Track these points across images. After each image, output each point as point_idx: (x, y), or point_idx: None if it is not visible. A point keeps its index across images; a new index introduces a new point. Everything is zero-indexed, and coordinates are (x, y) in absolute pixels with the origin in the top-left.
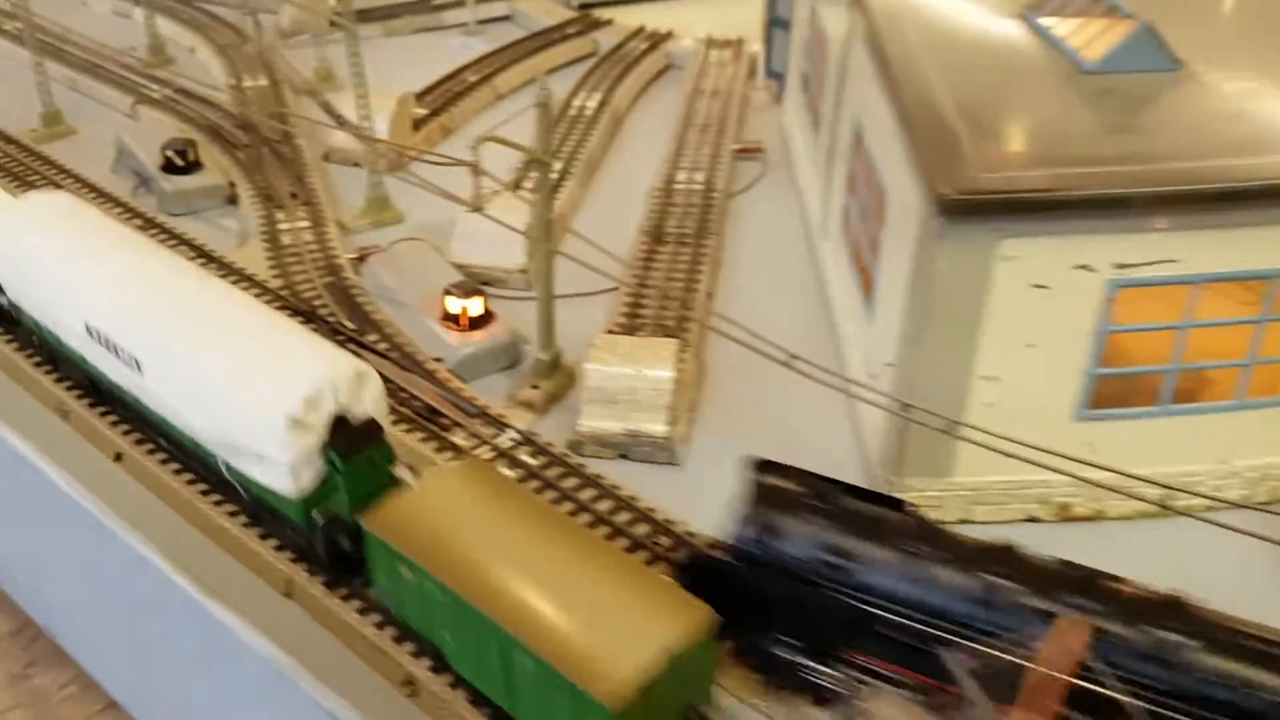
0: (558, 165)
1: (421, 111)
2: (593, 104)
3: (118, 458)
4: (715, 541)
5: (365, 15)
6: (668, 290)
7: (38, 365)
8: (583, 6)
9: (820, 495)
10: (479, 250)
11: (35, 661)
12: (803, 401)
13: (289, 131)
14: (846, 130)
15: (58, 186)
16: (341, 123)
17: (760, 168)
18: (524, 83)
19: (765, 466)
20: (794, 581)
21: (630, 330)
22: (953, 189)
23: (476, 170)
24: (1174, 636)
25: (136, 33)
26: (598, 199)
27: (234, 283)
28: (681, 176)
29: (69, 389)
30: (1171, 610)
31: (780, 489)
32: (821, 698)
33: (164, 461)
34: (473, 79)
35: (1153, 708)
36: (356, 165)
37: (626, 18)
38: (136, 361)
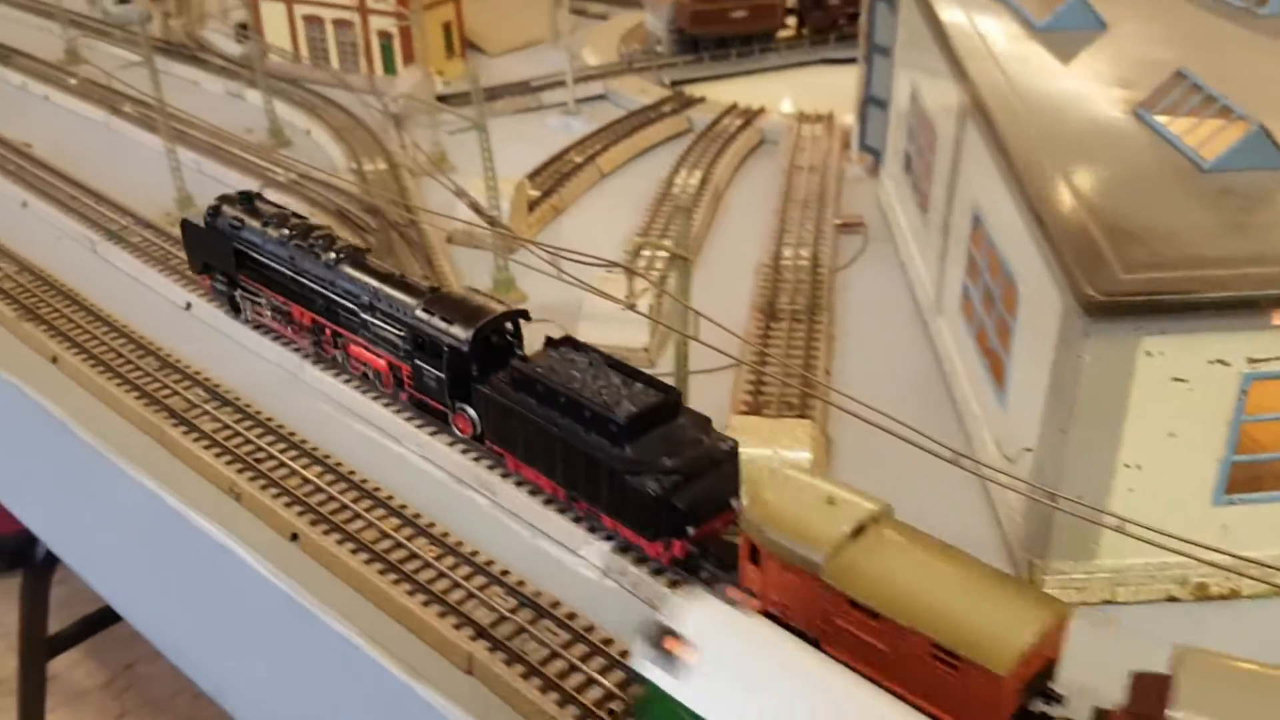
0: (667, 243)
1: (535, 193)
2: (694, 181)
3: (293, 537)
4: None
5: (469, 97)
6: (789, 367)
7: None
8: (674, 84)
9: (249, 200)
10: (604, 330)
11: (126, 713)
12: (928, 476)
13: (414, 216)
14: (963, 214)
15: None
16: (492, 223)
17: (862, 242)
18: (625, 160)
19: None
20: (219, 234)
21: (756, 408)
22: (1098, 291)
23: (630, 271)
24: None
25: (250, 114)
26: (706, 275)
27: None
28: (788, 252)
29: (241, 472)
30: (357, 253)
31: (231, 197)
32: (235, 308)
33: (340, 541)
34: (578, 159)
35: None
36: (478, 247)
37: (716, 93)
38: None
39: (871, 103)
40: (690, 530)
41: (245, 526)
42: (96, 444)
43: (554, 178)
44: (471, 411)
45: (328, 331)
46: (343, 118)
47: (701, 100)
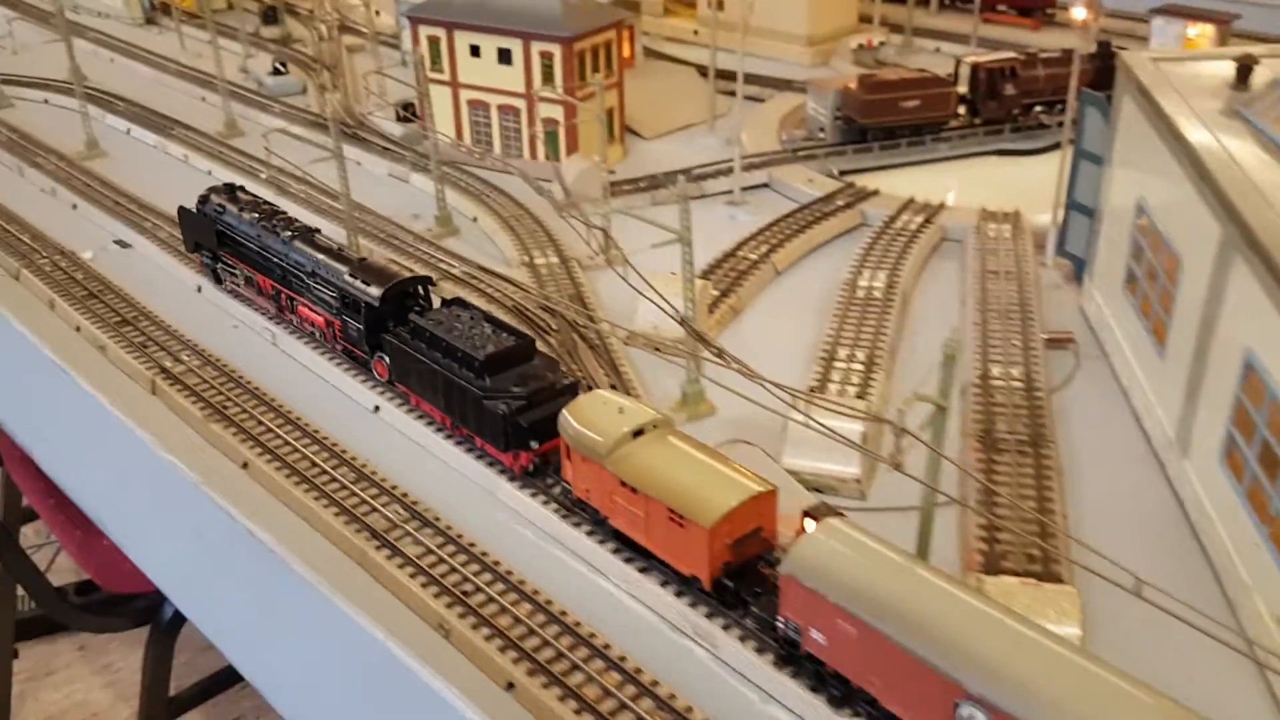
0: (860, 354)
1: (715, 293)
2: (879, 284)
3: (509, 686)
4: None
5: (630, 184)
6: (1025, 510)
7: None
8: (842, 173)
9: (232, 190)
10: (812, 457)
11: None
12: (1191, 645)
13: (592, 316)
14: (1227, 357)
15: None
16: (720, 353)
17: (1074, 360)
18: (799, 257)
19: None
20: (206, 218)
21: (994, 561)
22: None
23: (900, 430)
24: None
25: (415, 198)
26: (906, 392)
27: None
28: (996, 370)
29: (450, 606)
30: (308, 232)
31: (219, 188)
32: (217, 278)
33: (561, 698)
34: (752, 257)
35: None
36: (657, 351)
37: (884, 183)
38: None
39: (1074, 208)
40: (534, 445)
41: (457, 669)
42: (304, 571)
43: (730, 276)
44: (387, 358)
45: (283, 296)
46: (511, 206)
47: (875, 193)
